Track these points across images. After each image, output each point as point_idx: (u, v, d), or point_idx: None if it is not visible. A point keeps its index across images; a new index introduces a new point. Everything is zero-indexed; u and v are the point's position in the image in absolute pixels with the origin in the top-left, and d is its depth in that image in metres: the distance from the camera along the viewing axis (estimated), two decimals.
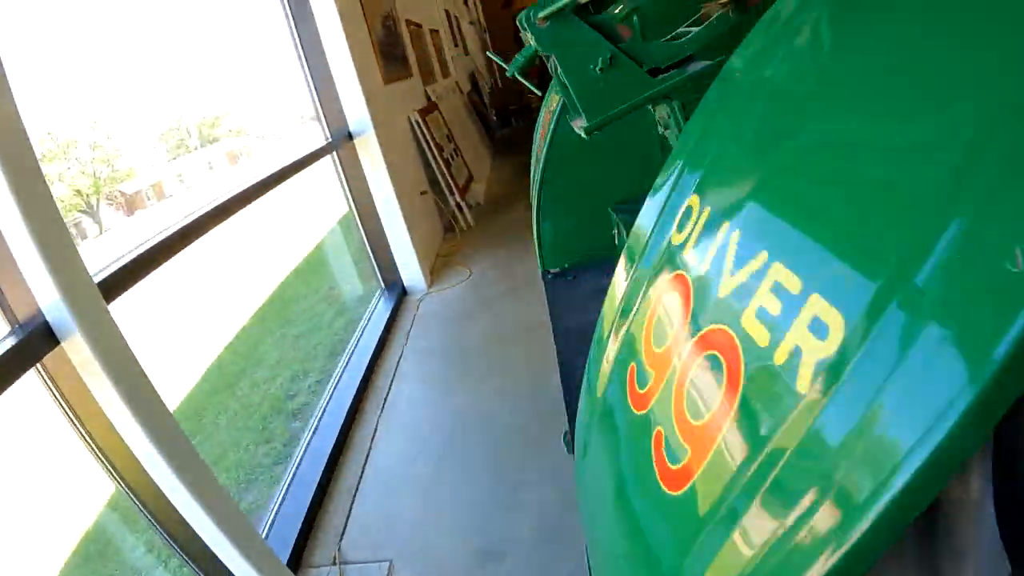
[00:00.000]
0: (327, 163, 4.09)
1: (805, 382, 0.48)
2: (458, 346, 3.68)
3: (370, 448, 2.83)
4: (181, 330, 4.69)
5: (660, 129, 1.75)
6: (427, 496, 2.45)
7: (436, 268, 4.98)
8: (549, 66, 1.72)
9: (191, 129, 4.79)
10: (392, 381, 3.38)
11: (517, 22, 1.61)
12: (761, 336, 0.55)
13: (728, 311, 0.62)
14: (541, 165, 2.89)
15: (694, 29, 1.52)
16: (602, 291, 2.59)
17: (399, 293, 4.48)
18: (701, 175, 0.85)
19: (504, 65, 1.86)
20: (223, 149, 4.99)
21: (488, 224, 6.06)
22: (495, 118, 10.41)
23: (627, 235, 2.58)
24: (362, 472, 2.68)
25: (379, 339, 3.77)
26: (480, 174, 7.47)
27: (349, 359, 3.56)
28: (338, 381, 3.32)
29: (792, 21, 0.85)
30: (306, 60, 3.99)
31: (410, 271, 4.54)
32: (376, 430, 2.96)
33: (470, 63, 10.44)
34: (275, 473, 3.08)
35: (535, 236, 3.01)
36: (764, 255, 0.60)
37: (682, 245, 0.80)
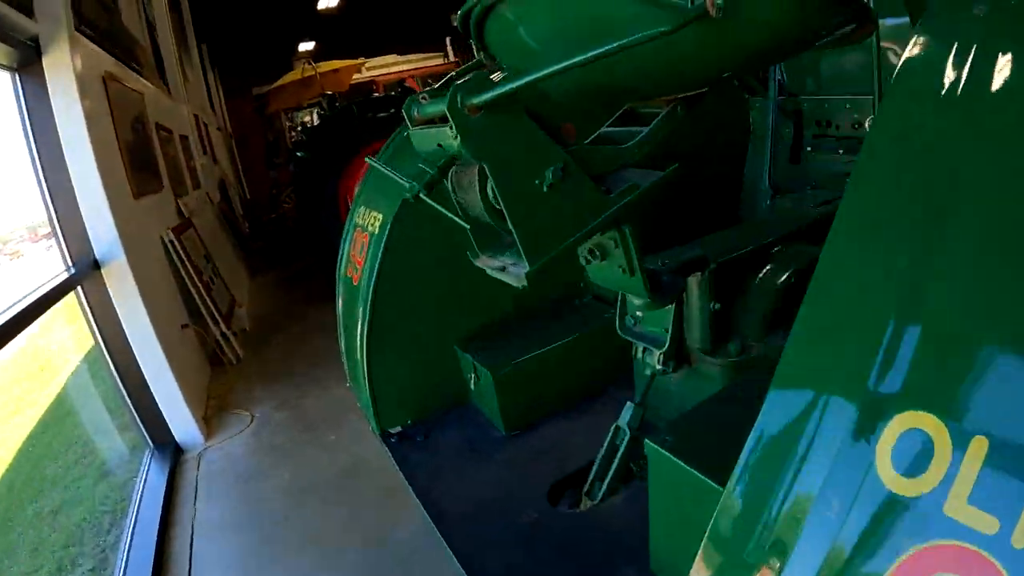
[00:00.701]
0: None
1: None
2: (262, 511, 3.24)
3: None
4: None
5: (587, 260, 1.47)
6: None
7: (210, 415, 4.43)
8: (453, 181, 1.33)
9: None
10: (190, 572, 2.80)
11: (403, 110, 1.29)
12: None
13: None
14: (366, 302, 2.41)
15: (620, 129, 1.36)
16: (470, 448, 2.36)
17: (173, 451, 3.91)
18: (932, 381, 0.62)
19: (393, 174, 1.52)
20: None
21: (260, 353, 5.62)
22: (248, 230, 9.85)
23: (485, 375, 2.41)
24: None
25: (161, 513, 3.21)
26: (241, 295, 6.92)
27: (129, 544, 2.97)
28: None
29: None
30: (44, 175, 3.39)
31: (181, 423, 3.99)
32: None
33: (219, 172, 9.86)
34: None
35: (365, 391, 2.52)
36: None
37: (933, 498, 0.58)
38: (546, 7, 1.07)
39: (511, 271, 1.30)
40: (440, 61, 17.74)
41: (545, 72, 1.00)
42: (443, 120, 1.13)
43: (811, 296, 0.75)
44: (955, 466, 0.58)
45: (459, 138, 1.08)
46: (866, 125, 2.62)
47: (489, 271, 1.39)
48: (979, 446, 0.57)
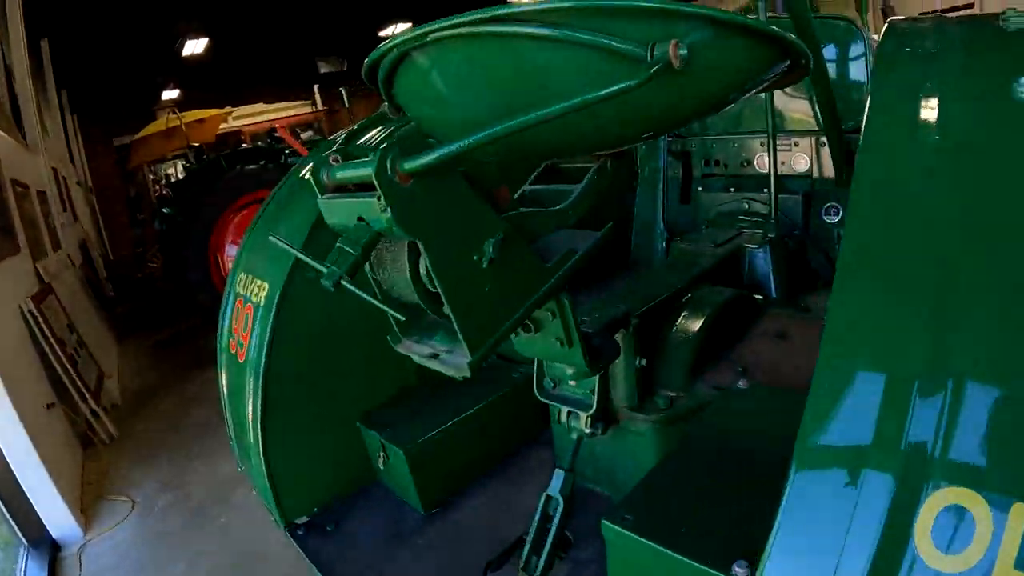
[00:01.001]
0: None
1: None
2: None
3: None
4: None
5: (517, 333, 1.34)
6: None
7: (87, 503, 4.06)
8: (372, 257, 1.12)
9: None
10: None
11: (311, 175, 1.09)
12: None
13: None
14: (257, 380, 2.13)
15: (545, 187, 1.29)
16: (389, 534, 2.18)
17: (49, 548, 3.55)
18: (962, 452, 0.58)
19: (300, 255, 1.18)
20: None
21: (135, 430, 5.20)
22: (112, 293, 9.16)
23: (396, 454, 2.15)
24: None
25: None
26: (109, 366, 6.39)
27: None
28: None
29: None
30: None
31: (55, 515, 3.63)
32: None
33: (80, 230, 9.17)
34: None
35: (262, 478, 2.23)
36: None
37: (980, 570, 0.56)
38: (468, 53, 0.95)
39: (447, 360, 1.13)
40: (309, 109, 17.46)
41: (495, 131, 0.88)
42: (361, 187, 0.99)
43: (824, 363, 0.72)
44: (998, 535, 0.57)
45: (389, 211, 0.93)
46: (755, 163, 2.82)
47: (416, 359, 1.21)
48: (1020, 512, 0.56)
